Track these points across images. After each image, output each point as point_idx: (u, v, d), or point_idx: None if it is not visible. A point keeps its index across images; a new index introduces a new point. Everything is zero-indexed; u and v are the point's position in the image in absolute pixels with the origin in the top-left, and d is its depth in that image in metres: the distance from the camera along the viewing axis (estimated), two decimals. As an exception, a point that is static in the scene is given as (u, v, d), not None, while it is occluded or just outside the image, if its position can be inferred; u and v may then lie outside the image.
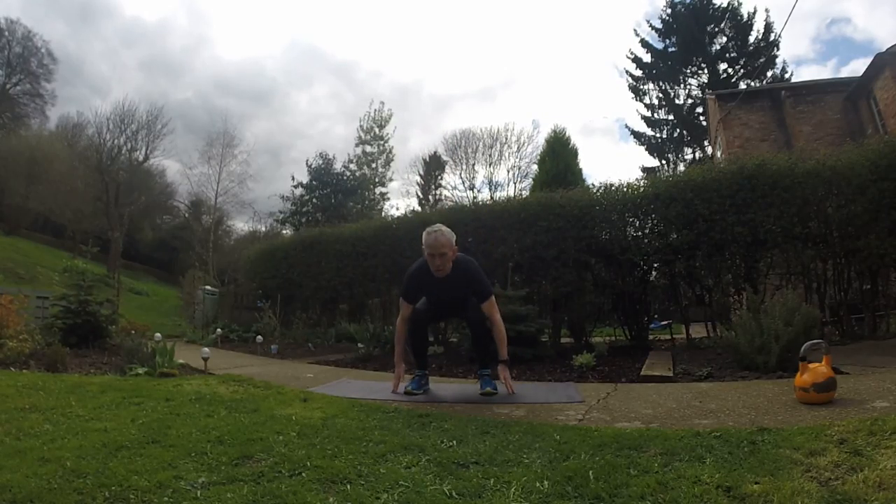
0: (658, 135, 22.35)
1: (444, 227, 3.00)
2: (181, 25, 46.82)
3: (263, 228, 26.44)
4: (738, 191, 4.92)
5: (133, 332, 5.83)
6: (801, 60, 39.33)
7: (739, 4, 20.99)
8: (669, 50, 22.00)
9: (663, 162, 22.06)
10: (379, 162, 25.37)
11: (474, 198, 23.11)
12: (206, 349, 4.54)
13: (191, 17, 48.34)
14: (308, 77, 49.38)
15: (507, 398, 2.94)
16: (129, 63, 39.91)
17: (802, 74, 41.98)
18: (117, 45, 40.88)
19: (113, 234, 23.66)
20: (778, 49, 20.58)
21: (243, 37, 52.08)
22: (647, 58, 22.22)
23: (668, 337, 5.84)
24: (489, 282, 3.24)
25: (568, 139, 10.77)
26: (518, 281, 5.72)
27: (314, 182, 21.06)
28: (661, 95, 22.26)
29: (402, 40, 52.65)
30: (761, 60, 20.28)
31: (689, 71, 21.85)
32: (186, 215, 29.26)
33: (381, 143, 25.59)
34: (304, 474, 1.61)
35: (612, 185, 5.84)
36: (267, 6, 54.11)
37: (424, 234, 3.00)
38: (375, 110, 25.83)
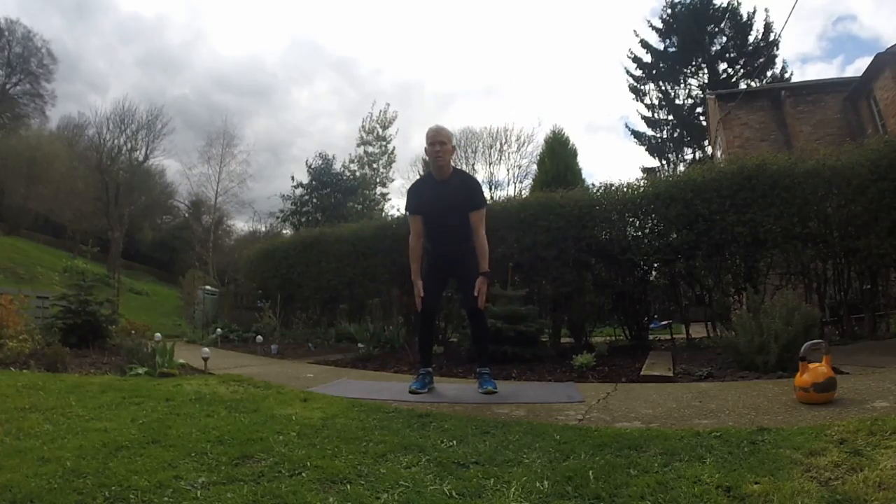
0: (658, 135, 22.34)
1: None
2: (179, 21, 46.78)
3: (263, 228, 26.42)
4: (738, 191, 4.92)
5: (133, 332, 5.83)
6: (807, 58, 39.32)
7: (739, 4, 21.00)
8: (669, 50, 21.99)
9: (663, 162, 22.06)
10: (380, 162, 25.34)
11: (474, 198, 23.01)
12: (206, 349, 4.54)
13: (189, 12, 48.27)
14: (308, 73, 49.32)
15: (507, 398, 2.95)
16: (126, 59, 39.89)
17: (809, 72, 41.89)
18: (115, 41, 40.87)
19: (113, 234, 23.68)
20: (778, 49, 20.60)
21: (242, 32, 52.03)
22: (647, 58, 22.22)
23: (668, 337, 5.84)
24: (484, 195, 3.32)
25: (567, 139, 10.79)
26: (518, 281, 5.72)
27: (314, 182, 21.04)
28: (661, 95, 22.27)
29: (404, 37, 52.60)
30: (761, 60, 20.28)
31: (689, 71, 21.83)
32: (186, 215, 29.24)
33: (384, 143, 25.55)
34: (304, 474, 1.61)
35: (612, 185, 5.85)
36: (266, 1, 54.06)
37: (427, 130, 3.16)
38: (380, 111, 25.75)
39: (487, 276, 3.09)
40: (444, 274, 3.31)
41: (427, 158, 3.17)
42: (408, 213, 3.27)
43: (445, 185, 3.10)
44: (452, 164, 3.22)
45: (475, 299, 3.09)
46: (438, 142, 3.06)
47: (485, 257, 3.08)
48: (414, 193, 3.24)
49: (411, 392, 3.02)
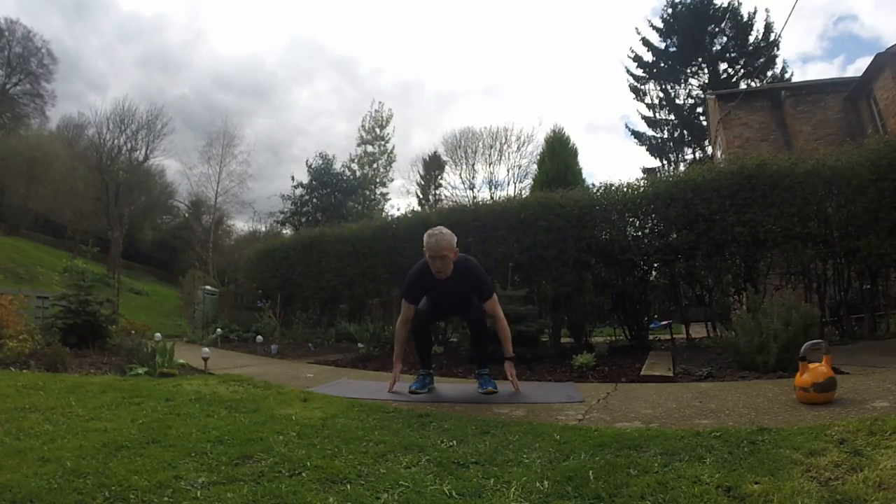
0: (659, 135, 22.36)
1: (444, 230, 3.01)
2: (179, 20, 46.73)
3: (263, 228, 26.48)
4: (738, 191, 4.92)
5: (133, 332, 5.82)
6: (808, 58, 39.26)
7: (739, 4, 21.03)
8: (670, 50, 22.01)
9: (664, 162, 22.08)
10: (380, 162, 25.35)
11: (474, 197, 23.13)
12: (206, 349, 4.54)
13: (188, 12, 48.21)
14: (308, 73, 49.24)
15: (507, 398, 2.94)
16: (126, 59, 39.83)
17: (809, 72, 41.78)
18: (114, 41, 40.81)
19: (113, 234, 23.68)
20: (778, 49, 20.63)
21: (242, 31, 51.98)
22: (648, 57, 22.26)
23: (668, 337, 5.84)
24: (490, 280, 3.24)
25: (567, 139, 10.76)
26: (518, 281, 5.72)
27: (314, 182, 21.07)
28: (661, 95, 22.29)
29: (404, 36, 52.59)
30: (761, 60, 20.29)
31: (689, 71, 21.86)
32: (186, 215, 29.25)
33: (382, 143, 25.55)
34: (304, 474, 1.61)
35: (612, 185, 5.85)
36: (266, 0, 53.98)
37: (426, 236, 3.01)
38: (376, 110, 25.79)
39: (513, 360, 3.13)
40: (442, 312, 3.38)
41: (427, 258, 3.03)
42: (403, 299, 3.18)
43: (448, 281, 3.05)
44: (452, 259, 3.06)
45: (478, 310, 3.12)
46: (440, 257, 2.95)
47: (508, 340, 3.12)
48: (416, 285, 3.15)
49: (411, 392, 3.03)
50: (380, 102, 26.52)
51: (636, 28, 29.84)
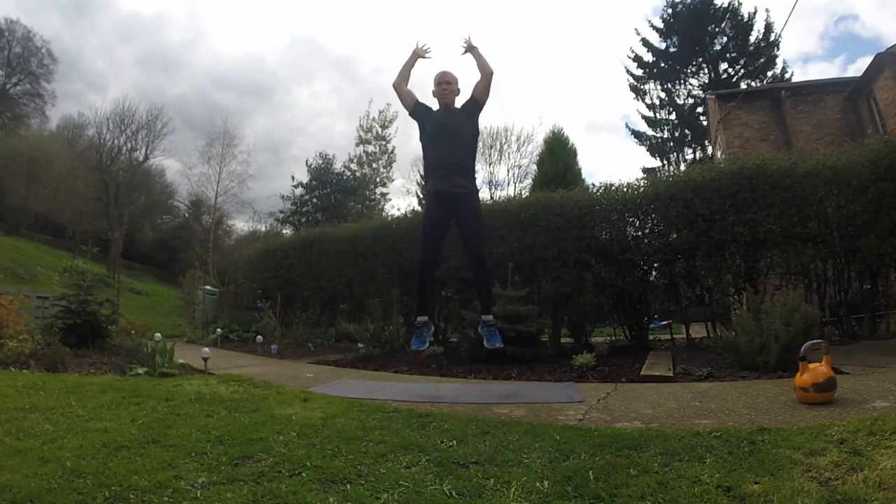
0: (659, 135, 22.34)
1: None
2: (178, 19, 46.61)
3: (263, 228, 26.47)
4: (739, 191, 4.92)
5: (133, 332, 5.82)
6: (808, 57, 39.22)
7: (740, 4, 21.01)
8: (670, 50, 22.01)
9: (664, 162, 22.06)
10: (380, 162, 25.31)
11: (474, 197, 22.99)
12: (206, 349, 4.54)
13: (188, 11, 48.09)
14: (308, 72, 49.11)
15: (507, 398, 2.95)
16: (126, 58, 39.68)
17: (810, 71, 41.70)
18: (114, 40, 40.70)
19: (113, 234, 23.67)
20: (778, 49, 20.59)
21: (242, 30, 51.83)
22: (648, 57, 22.24)
23: (668, 337, 5.83)
24: None
25: (566, 139, 10.74)
26: (518, 281, 5.71)
27: (314, 182, 21.06)
28: (662, 95, 22.29)
29: (404, 36, 52.51)
30: (762, 60, 20.28)
31: (689, 71, 21.84)
32: (186, 215, 29.24)
33: (383, 143, 25.50)
34: (304, 474, 1.61)
35: (612, 185, 5.85)
36: None
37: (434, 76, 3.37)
38: (380, 111, 25.71)
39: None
40: (443, 217, 3.24)
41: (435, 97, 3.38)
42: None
43: (451, 111, 3.31)
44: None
45: (479, 246, 3.15)
46: (445, 81, 3.30)
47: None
48: (424, 105, 3.41)
49: (413, 350, 3.03)
50: (387, 104, 26.32)
51: (636, 28, 29.87)
